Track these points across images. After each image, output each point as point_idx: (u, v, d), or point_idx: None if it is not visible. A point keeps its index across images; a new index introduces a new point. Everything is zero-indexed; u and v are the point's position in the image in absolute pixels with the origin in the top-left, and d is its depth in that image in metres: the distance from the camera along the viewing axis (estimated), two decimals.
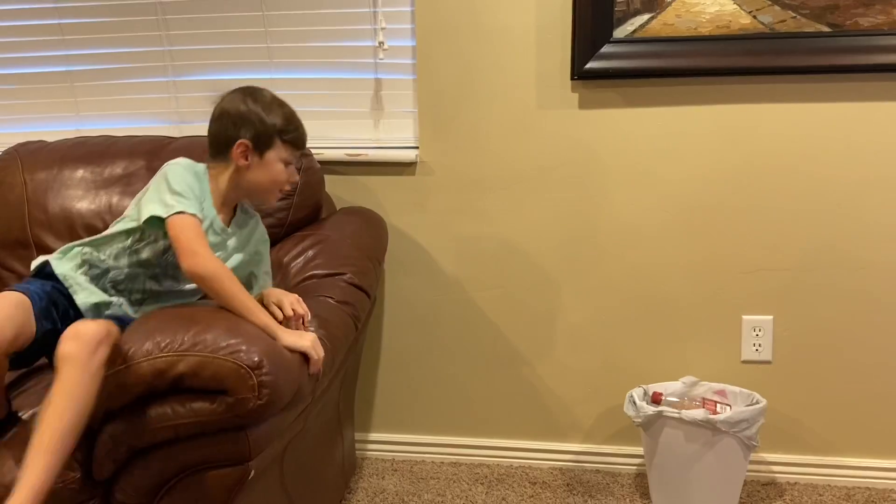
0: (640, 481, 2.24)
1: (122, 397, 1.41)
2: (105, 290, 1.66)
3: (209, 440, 1.43)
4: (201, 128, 2.20)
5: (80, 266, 1.67)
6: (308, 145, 2.10)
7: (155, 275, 1.68)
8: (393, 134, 2.32)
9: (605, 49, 2.08)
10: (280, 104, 1.70)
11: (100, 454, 1.44)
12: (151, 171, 2.08)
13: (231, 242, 1.71)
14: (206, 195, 1.65)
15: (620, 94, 2.13)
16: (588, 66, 2.09)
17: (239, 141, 1.65)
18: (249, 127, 1.65)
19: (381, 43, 2.22)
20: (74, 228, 2.04)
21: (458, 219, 2.27)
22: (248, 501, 1.52)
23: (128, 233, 1.66)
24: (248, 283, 1.74)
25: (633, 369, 2.25)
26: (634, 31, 2.07)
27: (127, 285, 1.67)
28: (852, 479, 2.20)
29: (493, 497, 2.18)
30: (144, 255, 1.66)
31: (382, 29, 2.21)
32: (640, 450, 2.23)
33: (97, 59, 2.40)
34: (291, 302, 1.63)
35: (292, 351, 1.50)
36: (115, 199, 2.07)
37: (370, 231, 2.14)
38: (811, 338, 2.17)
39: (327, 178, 2.20)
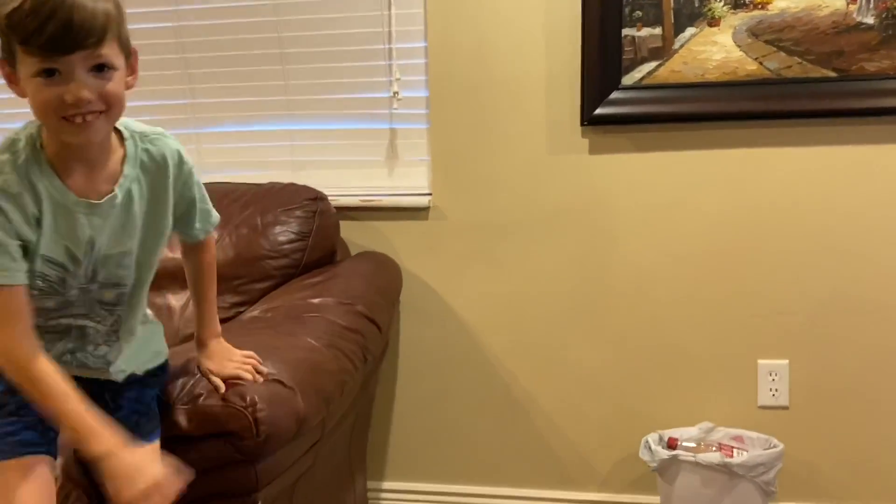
0: None
1: None
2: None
3: (218, 473, 1.43)
4: (223, 177, 2.28)
5: None
6: (325, 192, 2.19)
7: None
8: (407, 182, 2.36)
9: (614, 95, 2.12)
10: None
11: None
12: None
13: (105, 217, 1.27)
14: (36, 167, 1.21)
15: (630, 139, 2.17)
16: (597, 111, 2.13)
17: None
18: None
19: (395, 93, 2.28)
20: None
21: (470, 263, 2.29)
22: None
23: None
24: (190, 232, 1.41)
25: (648, 416, 2.22)
26: (642, 79, 2.12)
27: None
28: None
29: None
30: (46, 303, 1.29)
31: (397, 80, 2.28)
32: (656, 499, 2.18)
33: (125, 112, 2.48)
34: (244, 364, 1.40)
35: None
36: None
37: (384, 272, 2.16)
38: (829, 382, 2.14)
39: (342, 223, 2.24)
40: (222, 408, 1.37)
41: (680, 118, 2.12)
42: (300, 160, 2.41)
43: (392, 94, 2.29)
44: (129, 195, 1.28)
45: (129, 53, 1.24)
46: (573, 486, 2.30)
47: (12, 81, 1.19)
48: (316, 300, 1.84)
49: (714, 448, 2.04)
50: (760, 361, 2.17)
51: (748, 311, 2.16)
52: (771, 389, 2.18)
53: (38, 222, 1.22)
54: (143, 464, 1.21)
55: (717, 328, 2.19)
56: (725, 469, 1.94)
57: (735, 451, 2.04)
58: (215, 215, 1.45)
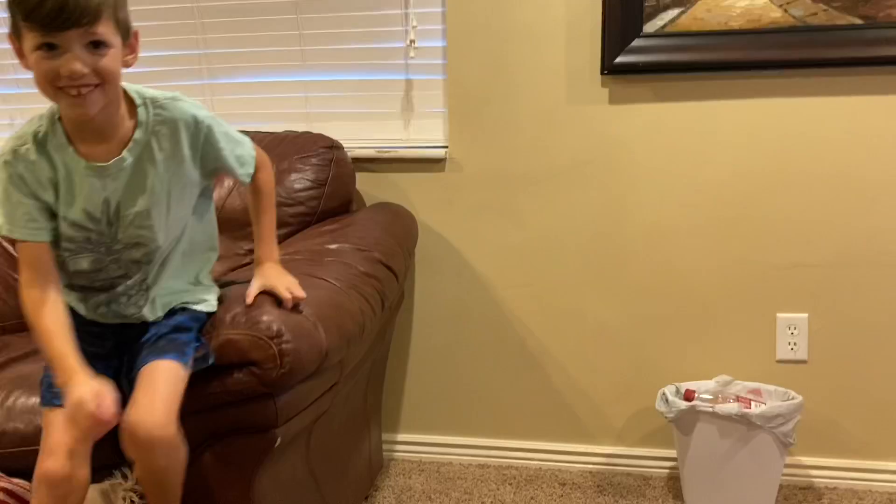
0: (673, 484, 2.19)
1: None
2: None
3: (238, 407, 1.43)
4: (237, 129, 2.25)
5: None
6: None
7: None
8: (423, 133, 2.33)
9: (636, 43, 2.08)
10: None
11: None
12: None
13: (116, 180, 1.36)
14: (52, 137, 1.34)
15: (651, 88, 2.13)
16: (618, 60, 2.10)
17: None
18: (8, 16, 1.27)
19: (411, 42, 2.25)
20: None
21: (486, 216, 2.27)
22: (275, 472, 1.51)
23: None
24: (237, 179, 1.49)
25: (664, 369, 2.20)
26: (664, 26, 2.08)
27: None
28: (894, 483, 2.13)
29: (522, 497, 2.13)
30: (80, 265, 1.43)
31: (414, 28, 2.24)
32: (672, 452, 2.18)
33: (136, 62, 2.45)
34: (288, 286, 1.44)
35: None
36: None
37: (400, 222, 2.14)
38: (848, 335, 2.12)
39: (358, 175, 2.21)
40: (246, 337, 1.37)
41: (702, 67, 2.08)
42: (314, 112, 2.38)
43: (408, 44, 2.26)
44: (139, 159, 1.37)
45: (127, 33, 1.32)
46: (588, 439, 2.29)
47: (20, 55, 1.28)
48: (333, 246, 1.82)
49: (731, 400, 2.03)
50: (779, 315, 2.15)
51: (768, 264, 2.14)
52: (790, 343, 2.16)
53: (56, 187, 1.35)
54: (82, 392, 1.29)
55: (735, 281, 2.16)
56: (744, 420, 1.93)
57: (753, 403, 2.02)
58: (251, 155, 1.51)
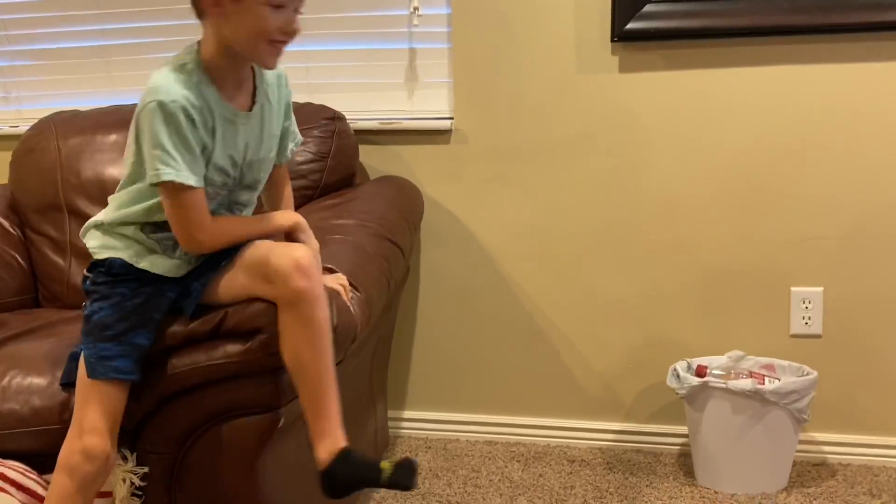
0: (684, 461, 2.15)
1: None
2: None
3: (238, 385, 1.39)
4: None
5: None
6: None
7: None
8: (428, 104, 2.27)
9: (647, 8, 2.02)
10: None
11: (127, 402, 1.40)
12: None
13: (251, 126, 1.43)
14: (205, 86, 1.35)
15: (662, 56, 2.07)
16: (629, 26, 2.04)
17: None
18: None
19: (415, 9, 2.18)
20: (106, 192, 2.01)
21: (493, 188, 2.22)
22: (279, 454, 1.48)
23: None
24: (284, 153, 1.55)
25: (676, 344, 2.16)
26: None
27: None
28: None
29: (530, 474, 2.10)
30: None
31: None
32: (683, 429, 2.14)
33: (133, 32, 2.39)
34: (340, 281, 1.50)
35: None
36: None
37: (405, 196, 2.09)
38: (864, 310, 2.08)
39: (361, 147, 2.16)
40: (262, 303, 1.35)
41: (715, 33, 2.02)
42: (316, 83, 2.32)
43: (412, 11, 2.20)
44: (262, 106, 1.45)
45: None
46: (597, 415, 2.26)
47: (215, 5, 1.31)
48: (337, 221, 1.78)
49: (744, 376, 1.99)
50: (794, 289, 2.11)
51: (781, 236, 2.09)
52: (804, 317, 2.11)
53: (213, 133, 1.37)
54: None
55: (748, 254, 2.12)
56: (758, 396, 1.89)
57: (766, 379, 1.98)
58: (300, 138, 1.59)
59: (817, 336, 2.11)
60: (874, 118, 2.01)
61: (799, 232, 2.08)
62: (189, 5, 1.37)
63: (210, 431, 1.42)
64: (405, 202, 2.05)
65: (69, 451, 1.36)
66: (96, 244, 1.45)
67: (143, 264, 1.41)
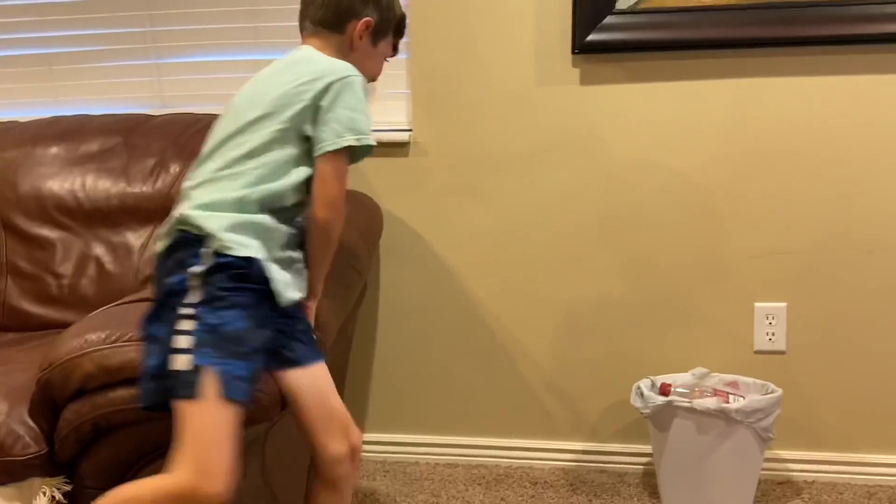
0: (649, 481, 2.11)
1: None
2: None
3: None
4: (185, 111, 2.13)
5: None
6: None
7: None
8: (385, 116, 2.21)
9: (608, 20, 1.99)
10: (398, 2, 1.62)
11: (62, 431, 1.32)
12: (129, 147, 1.99)
13: None
14: None
15: (624, 68, 2.04)
16: (589, 38, 2.00)
17: (365, 18, 1.51)
18: (376, 8, 1.53)
19: None
20: (46, 207, 1.93)
21: (453, 202, 2.16)
22: None
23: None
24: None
25: (639, 361, 2.12)
26: (638, 2, 1.98)
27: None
28: (874, 476, 2.07)
29: (492, 497, 2.04)
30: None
31: None
32: (648, 447, 2.10)
33: (76, 40, 2.31)
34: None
35: None
36: (89, 177, 1.95)
37: (363, 212, 2.02)
38: (827, 326, 2.06)
39: None
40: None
41: (677, 45, 2.00)
42: None
43: None
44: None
45: None
46: (560, 435, 2.21)
47: (360, 38, 1.52)
48: None
49: (708, 394, 1.95)
50: (757, 304, 2.08)
51: (745, 252, 2.06)
52: (768, 333, 2.09)
53: None
54: None
55: (711, 269, 2.09)
56: (722, 415, 1.85)
57: (731, 396, 1.95)
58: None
59: (781, 352, 2.09)
60: (838, 132, 1.99)
61: (762, 246, 2.06)
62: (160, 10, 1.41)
63: (152, 466, 1.33)
64: (363, 220, 1.99)
65: (176, 494, 1.17)
66: (228, 234, 1.27)
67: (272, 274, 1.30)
